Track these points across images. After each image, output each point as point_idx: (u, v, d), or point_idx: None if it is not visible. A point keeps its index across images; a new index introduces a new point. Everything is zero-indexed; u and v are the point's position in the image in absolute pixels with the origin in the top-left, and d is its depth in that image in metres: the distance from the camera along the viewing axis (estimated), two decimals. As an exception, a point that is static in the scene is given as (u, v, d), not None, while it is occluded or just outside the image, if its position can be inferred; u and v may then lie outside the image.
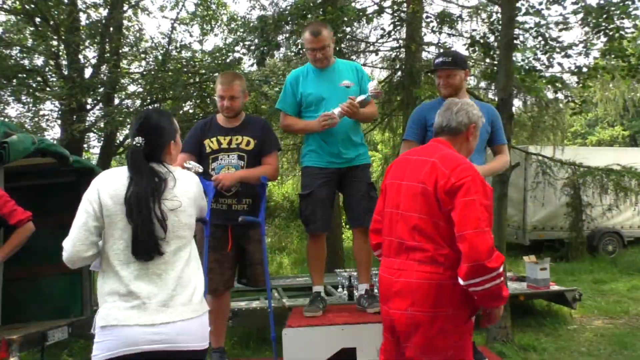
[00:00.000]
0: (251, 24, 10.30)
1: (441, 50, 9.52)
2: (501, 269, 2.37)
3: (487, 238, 2.36)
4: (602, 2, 6.82)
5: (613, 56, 7.25)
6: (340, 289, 6.90)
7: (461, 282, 2.39)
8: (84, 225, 2.21)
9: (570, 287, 7.67)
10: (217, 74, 9.93)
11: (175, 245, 2.26)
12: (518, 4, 6.94)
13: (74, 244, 2.19)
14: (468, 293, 2.44)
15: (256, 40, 9.33)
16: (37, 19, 10.06)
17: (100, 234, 2.24)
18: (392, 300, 2.58)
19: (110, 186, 2.25)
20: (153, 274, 2.20)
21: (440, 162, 2.53)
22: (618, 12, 6.64)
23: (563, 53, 7.49)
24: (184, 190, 2.32)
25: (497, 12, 8.69)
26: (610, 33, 6.87)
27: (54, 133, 11.56)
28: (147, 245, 2.18)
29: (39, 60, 10.73)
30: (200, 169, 3.39)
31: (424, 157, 2.64)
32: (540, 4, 7.36)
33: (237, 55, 10.27)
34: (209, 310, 2.36)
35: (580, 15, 7.04)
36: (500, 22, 6.95)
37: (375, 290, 5.73)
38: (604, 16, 6.67)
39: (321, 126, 3.69)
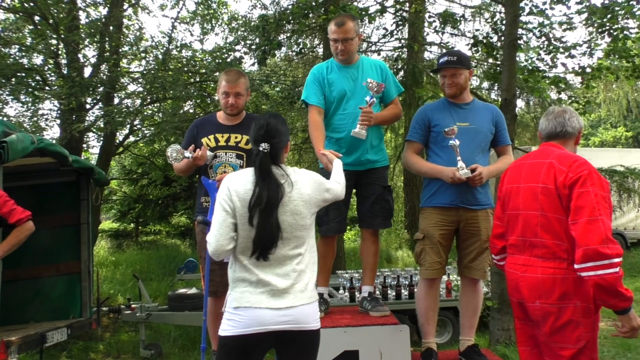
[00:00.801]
0: (252, 23, 10.31)
1: (444, 50, 9.51)
2: (618, 260, 2.45)
3: (600, 225, 2.48)
4: (606, 2, 6.82)
5: (617, 57, 7.25)
6: (341, 291, 6.90)
7: (575, 266, 2.55)
8: (224, 222, 2.50)
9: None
10: (217, 74, 9.92)
11: (294, 243, 2.53)
12: (522, 4, 6.93)
13: (217, 240, 2.49)
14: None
15: (257, 40, 9.33)
16: (36, 18, 10.04)
17: (236, 229, 2.51)
18: (521, 293, 2.81)
19: (238, 188, 2.52)
20: (276, 267, 2.50)
21: (557, 161, 2.75)
22: (622, 12, 6.64)
23: (567, 53, 7.49)
24: (300, 193, 2.56)
25: (500, 12, 8.69)
26: (615, 33, 6.87)
27: (53, 133, 11.57)
28: (265, 248, 2.47)
29: (38, 59, 10.71)
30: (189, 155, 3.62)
31: (539, 159, 2.87)
32: (544, 3, 7.35)
33: (237, 54, 10.26)
34: (317, 298, 2.62)
35: (585, 15, 7.04)
36: (504, 21, 6.93)
37: (378, 293, 5.73)
38: (609, 16, 6.67)
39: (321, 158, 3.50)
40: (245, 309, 2.45)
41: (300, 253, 2.56)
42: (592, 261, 2.44)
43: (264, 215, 2.45)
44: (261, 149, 2.55)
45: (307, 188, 2.59)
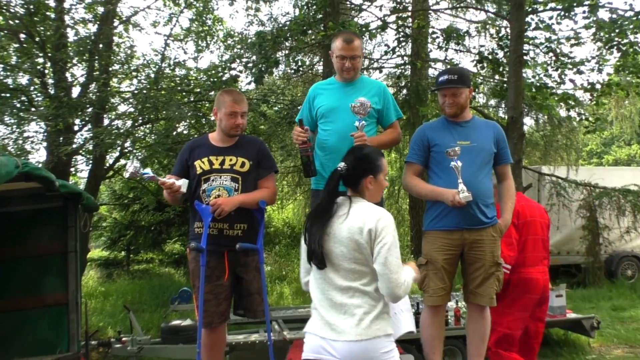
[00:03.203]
0: (249, 40, 10.39)
1: (446, 67, 9.58)
2: None
3: None
4: (614, 16, 6.90)
5: (627, 72, 7.31)
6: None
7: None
8: (303, 256, 2.75)
9: (588, 314, 7.59)
10: (212, 93, 9.98)
11: (346, 275, 2.57)
12: (528, 19, 7.02)
13: (301, 273, 2.82)
14: None
15: (254, 57, 9.41)
16: (22, 35, 10.12)
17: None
18: (544, 288, 4.76)
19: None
20: (327, 298, 2.61)
21: (538, 206, 5.03)
22: (631, 26, 6.71)
23: (575, 69, 7.56)
24: (349, 227, 2.55)
25: (505, 27, 8.78)
26: (624, 48, 6.94)
27: (39, 156, 11.56)
28: (317, 261, 2.60)
29: (23, 79, 10.71)
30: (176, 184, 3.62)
31: (533, 203, 5.02)
32: (551, 18, 7.45)
33: (233, 72, 10.32)
34: (379, 335, 2.56)
35: (592, 30, 7.12)
36: (509, 37, 7.02)
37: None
38: (617, 31, 6.75)
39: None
40: (307, 334, 2.67)
41: (352, 286, 2.55)
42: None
43: (313, 229, 2.59)
44: (339, 168, 2.66)
45: (360, 228, 2.53)
